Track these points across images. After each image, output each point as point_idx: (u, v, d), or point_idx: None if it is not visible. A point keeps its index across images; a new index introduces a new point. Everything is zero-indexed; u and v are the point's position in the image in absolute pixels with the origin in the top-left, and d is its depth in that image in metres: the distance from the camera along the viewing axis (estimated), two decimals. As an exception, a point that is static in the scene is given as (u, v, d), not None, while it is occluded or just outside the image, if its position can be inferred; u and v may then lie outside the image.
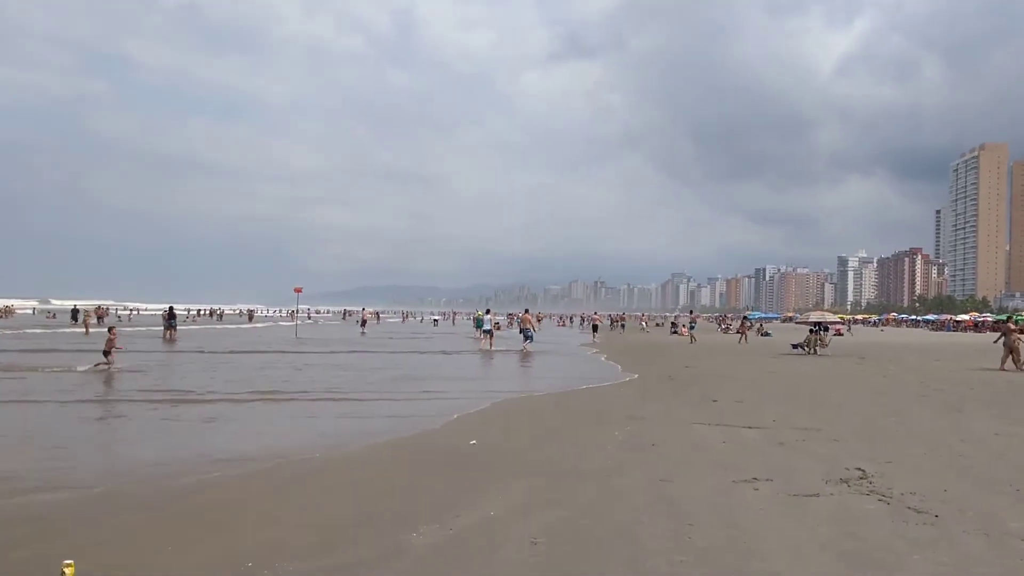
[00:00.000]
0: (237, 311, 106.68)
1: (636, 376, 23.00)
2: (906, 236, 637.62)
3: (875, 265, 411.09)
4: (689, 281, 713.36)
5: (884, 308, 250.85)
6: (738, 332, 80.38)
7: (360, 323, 62.05)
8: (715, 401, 16.82)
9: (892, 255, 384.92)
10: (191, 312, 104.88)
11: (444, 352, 34.97)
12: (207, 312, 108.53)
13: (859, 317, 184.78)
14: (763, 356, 34.99)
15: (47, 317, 77.94)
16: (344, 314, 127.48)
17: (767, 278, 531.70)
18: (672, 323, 77.73)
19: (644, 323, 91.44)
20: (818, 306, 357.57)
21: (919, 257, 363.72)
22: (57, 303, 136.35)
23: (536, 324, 38.56)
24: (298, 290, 49.58)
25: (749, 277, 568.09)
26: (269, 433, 12.38)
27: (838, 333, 71.63)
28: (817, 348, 36.62)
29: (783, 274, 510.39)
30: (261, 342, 41.61)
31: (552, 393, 18.21)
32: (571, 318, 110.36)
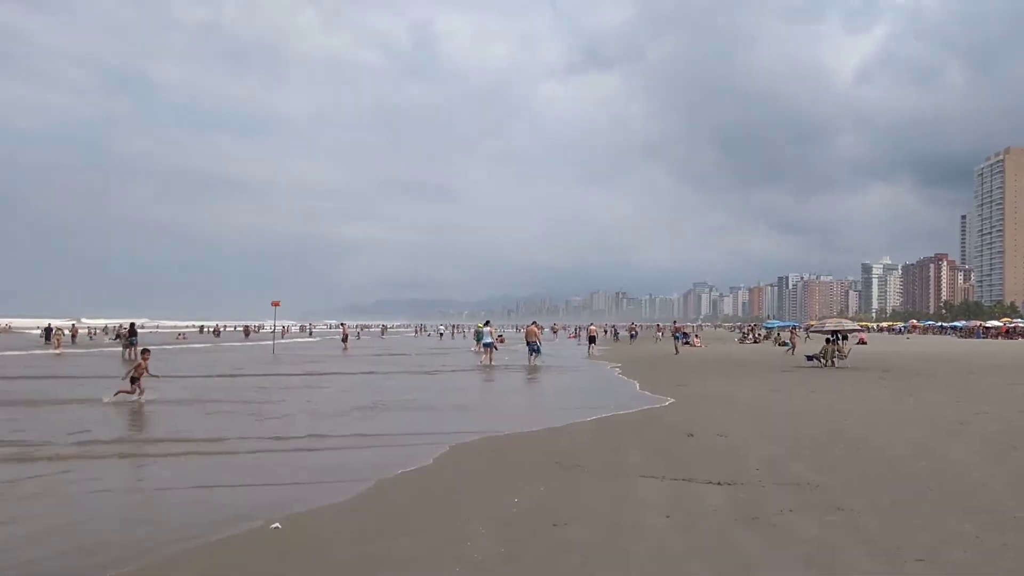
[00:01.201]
0: (241, 327, 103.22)
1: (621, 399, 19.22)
2: (931, 242, 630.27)
3: (900, 272, 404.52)
4: (711, 290, 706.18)
5: (910, 315, 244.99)
6: (755, 341, 77.73)
7: (342, 339, 58.20)
8: (690, 436, 12.96)
9: (917, 261, 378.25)
10: (178, 330, 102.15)
11: (429, 372, 30.59)
12: (211, 330, 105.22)
13: (883, 324, 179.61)
14: (772, 370, 31.01)
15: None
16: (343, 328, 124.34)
17: (790, 286, 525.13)
18: (684, 333, 73.61)
19: (660, 333, 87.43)
20: (842, 313, 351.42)
21: (944, 263, 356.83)
22: (88, 322, 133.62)
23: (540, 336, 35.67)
24: (275, 304, 46.12)
25: (772, 286, 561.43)
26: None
27: (861, 342, 67.39)
28: (835, 359, 32.60)
29: (806, 282, 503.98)
30: (225, 362, 38.05)
31: (517, 433, 13.55)
32: (577, 330, 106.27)
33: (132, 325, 41.37)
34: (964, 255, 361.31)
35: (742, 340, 78.10)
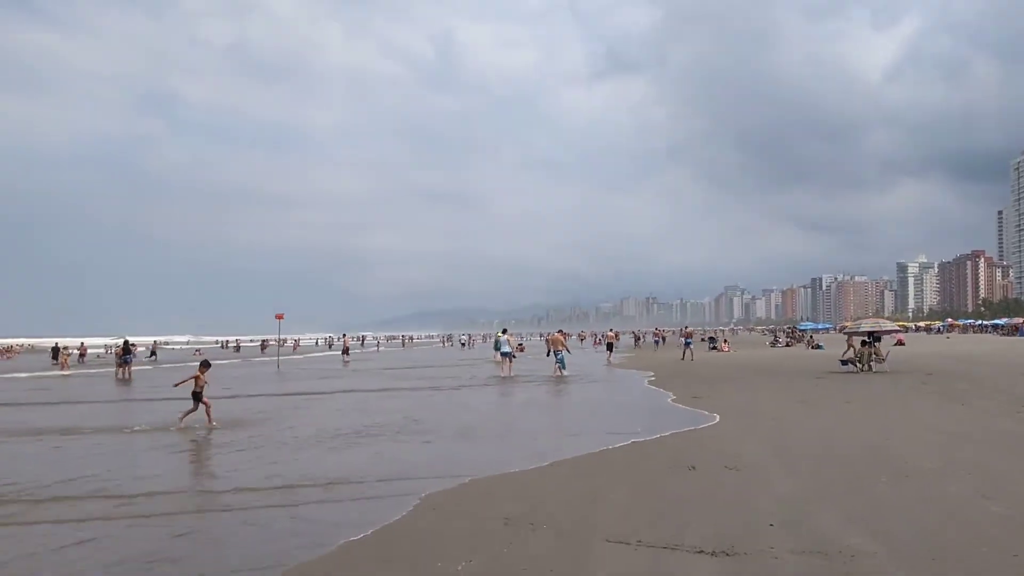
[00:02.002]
0: (259, 341, 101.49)
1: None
2: (967, 239, 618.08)
3: (936, 270, 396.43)
4: (743, 293, 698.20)
5: (948, 314, 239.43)
6: (787, 344, 74.59)
7: (343, 351, 55.93)
8: (692, 469, 10.50)
9: (953, 259, 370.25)
10: (193, 345, 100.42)
11: (436, 387, 27.51)
12: (232, 345, 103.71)
13: (921, 324, 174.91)
14: (803, 377, 28.32)
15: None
16: (361, 341, 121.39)
17: (823, 287, 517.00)
18: (711, 338, 70.78)
19: (683, 339, 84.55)
20: (877, 314, 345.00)
21: (982, 260, 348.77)
22: (134, 339, 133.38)
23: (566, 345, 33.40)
24: (279, 317, 44.13)
25: (805, 287, 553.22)
26: None
27: (899, 343, 64.19)
28: (872, 364, 29.85)
29: (840, 283, 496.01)
30: (221, 380, 35.87)
31: (506, 475, 10.57)
32: (600, 338, 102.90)
33: (126, 343, 39.43)
34: (1002, 251, 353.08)
35: (773, 343, 75.24)
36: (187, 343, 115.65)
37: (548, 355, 34.43)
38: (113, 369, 39.14)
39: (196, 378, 17.19)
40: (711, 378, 28.93)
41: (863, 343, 30.60)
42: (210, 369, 17.93)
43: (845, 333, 40.99)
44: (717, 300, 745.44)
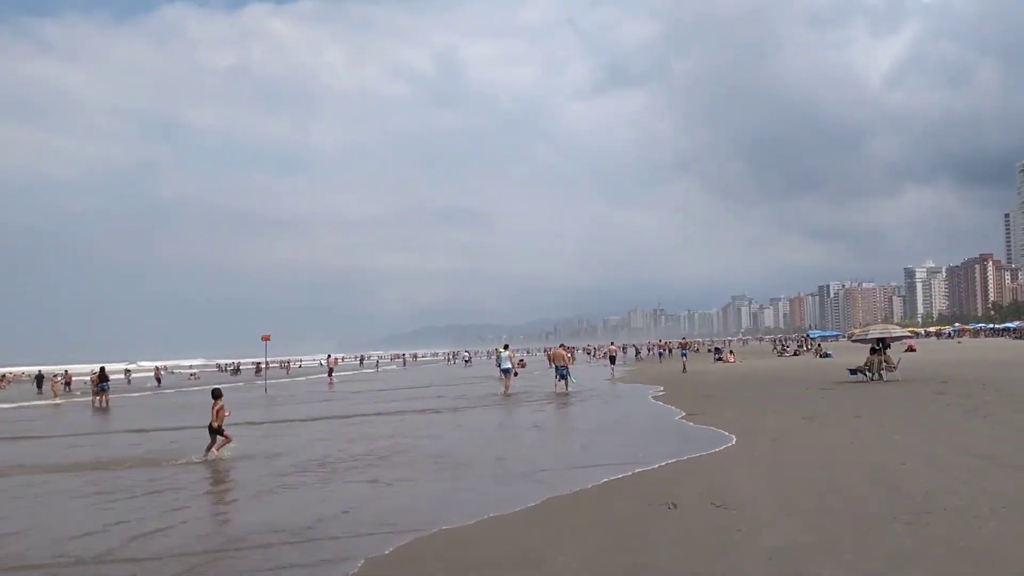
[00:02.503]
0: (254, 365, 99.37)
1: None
2: (974, 243, 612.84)
3: (944, 275, 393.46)
4: (751, 303, 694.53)
5: (957, 318, 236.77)
6: (795, 353, 72.47)
7: (328, 371, 53.88)
8: (672, 507, 8.79)
9: (962, 263, 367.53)
10: (190, 370, 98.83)
11: (422, 411, 25.31)
12: (232, 367, 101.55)
13: (931, 329, 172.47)
14: (810, 388, 26.56)
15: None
16: (360, 360, 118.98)
17: (831, 295, 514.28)
18: (716, 348, 69.04)
19: (683, 350, 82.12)
20: (887, 320, 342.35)
21: (990, 263, 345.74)
22: (146, 364, 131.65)
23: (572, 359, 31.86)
24: (266, 338, 42.40)
25: (813, 295, 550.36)
26: None
27: (910, 349, 62.31)
28: (882, 372, 28.07)
29: (848, 290, 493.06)
30: (202, 407, 34.28)
31: (459, 529, 8.59)
32: (596, 350, 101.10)
33: (102, 370, 37.81)
34: (1010, 254, 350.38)
35: (780, 353, 73.38)
36: (189, 367, 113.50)
37: (550, 368, 33.02)
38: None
39: (218, 411, 15.66)
40: (712, 391, 27.21)
41: (872, 350, 28.82)
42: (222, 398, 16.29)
43: (853, 340, 39.32)
44: (725, 310, 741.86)
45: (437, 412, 24.69)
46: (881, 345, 28.89)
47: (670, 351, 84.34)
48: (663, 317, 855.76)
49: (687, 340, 52.43)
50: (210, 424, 15.58)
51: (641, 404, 24.04)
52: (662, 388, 30.07)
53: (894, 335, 30.65)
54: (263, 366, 56.19)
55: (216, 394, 16.28)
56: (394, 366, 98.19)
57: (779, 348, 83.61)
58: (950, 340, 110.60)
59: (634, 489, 10.12)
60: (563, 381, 30.41)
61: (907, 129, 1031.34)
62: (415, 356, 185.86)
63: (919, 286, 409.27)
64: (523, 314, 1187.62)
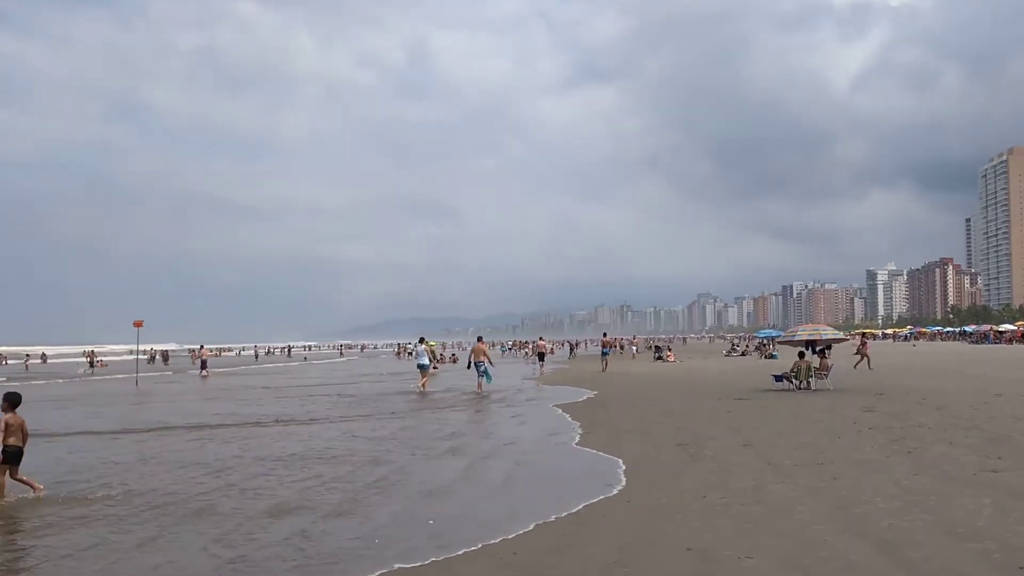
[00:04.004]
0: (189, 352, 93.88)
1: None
2: (935, 247, 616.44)
3: (905, 277, 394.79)
4: (716, 301, 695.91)
5: (917, 321, 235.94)
6: (742, 354, 68.70)
7: (201, 364, 48.86)
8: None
9: (922, 266, 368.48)
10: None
11: (306, 422, 19.71)
12: (156, 354, 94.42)
13: (888, 331, 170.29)
14: (722, 398, 22.58)
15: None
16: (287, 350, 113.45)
17: (795, 295, 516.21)
18: (656, 347, 65.40)
19: (635, 347, 78.03)
20: (847, 321, 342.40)
21: (950, 267, 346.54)
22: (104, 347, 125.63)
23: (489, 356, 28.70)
24: (138, 324, 37.71)
25: (776, 295, 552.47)
26: None
27: (859, 352, 58.73)
28: (811, 380, 24.21)
29: (811, 290, 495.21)
30: (53, 398, 29.78)
31: None
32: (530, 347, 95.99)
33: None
34: (970, 258, 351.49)
35: (730, 352, 69.77)
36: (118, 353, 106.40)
37: (469, 367, 29.97)
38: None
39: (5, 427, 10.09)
40: (612, 401, 23.21)
41: (800, 354, 24.95)
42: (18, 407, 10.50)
43: (779, 343, 35.92)
44: (690, 308, 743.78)
45: (309, 423, 19.85)
46: (812, 349, 25.03)
47: (621, 347, 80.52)
48: (629, 313, 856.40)
49: (609, 339, 48.55)
50: None
51: (539, 417, 20.06)
52: (581, 395, 26.10)
53: (825, 337, 26.81)
54: (172, 353, 51.39)
55: (9, 401, 10.46)
56: (351, 356, 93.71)
57: (731, 347, 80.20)
58: (906, 343, 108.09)
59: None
60: (484, 378, 28.49)
61: (872, 133, 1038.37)
62: (376, 346, 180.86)
63: (880, 288, 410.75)
64: (489, 307, 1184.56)
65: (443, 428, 17.53)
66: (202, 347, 53.59)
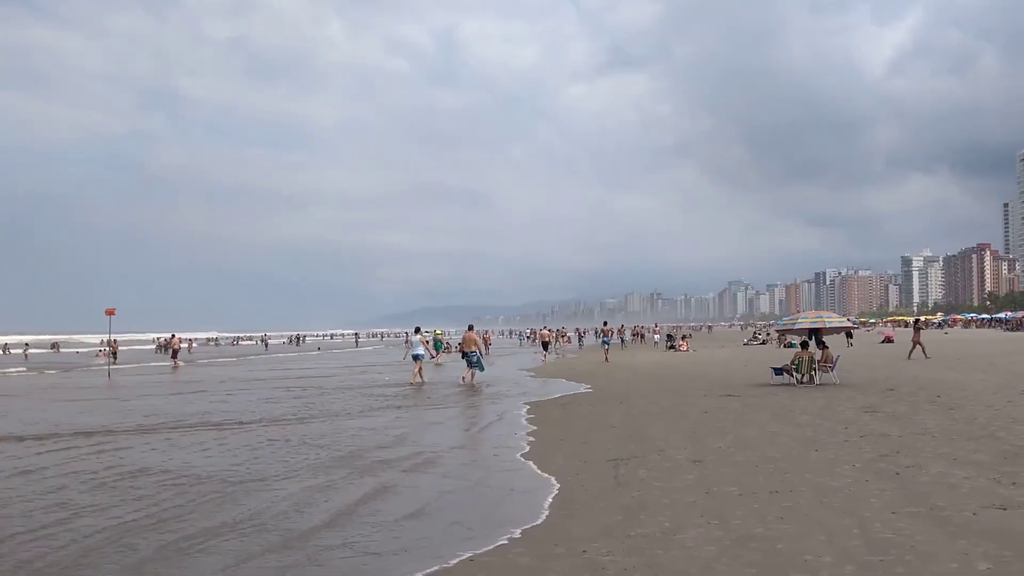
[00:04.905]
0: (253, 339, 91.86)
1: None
2: (972, 233, 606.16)
3: (941, 264, 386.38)
4: (747, 289, 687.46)
5: (952, 308, 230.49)
6: (762, 342, 65.60)
7: (171, 354, 46.80)
8: None
9: (959, 252, 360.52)
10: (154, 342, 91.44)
11: (285, 421, 17.21)
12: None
13: (921, 319, 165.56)
14: (708, 395, 20.06)
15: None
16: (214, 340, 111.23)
17: (827, 282, 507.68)
18: (669, 336, 62.64)
19: (656, 336, 75.49)
20: (881, 308, 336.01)
21: (987, 253, 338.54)
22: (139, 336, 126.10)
23: (484, 346, 26.89)
24: (110, 312, 35.79)
25: (809, 282, 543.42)
26: None
27: (887, 339, 55.85)
28: (814, 374, 21.56)
29: (844, 277, 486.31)
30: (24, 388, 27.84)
31: None
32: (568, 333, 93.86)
33: None
34: (1008, 244, 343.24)
35: (749, 341, 66.88)
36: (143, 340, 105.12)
37: (463, 357, 28.47)
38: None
39: None
40: (600, 399, 20.77)
41: (803, 345, 22.30)
42: None
43: (777, 332, 33.40)
44: (721, 295, 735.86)
45: (272, 424, 17.21)
46: (814, 338, 22.39)
47: (642, 337, 77.95)
48: (660, 301, 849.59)
49: (610, 327, 46.18)
50: None
51: (497, 421, 17.69)
52: (571, 389, 23.69)
53: (829, 324, 24.09)
54: (181, 344, 49.34)
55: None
56: (368, 346, 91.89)
57: (753, 335, 77.23)
58: (939, 331, 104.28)
59: None
60: (474, 369, 27.35)
61: (908, 117, 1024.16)
62: (405, 335, 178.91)
63: (915, 275, 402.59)
64: (521, 295, 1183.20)
65: (380, 435, 14.96)
66: (173, 336, 50.95)
